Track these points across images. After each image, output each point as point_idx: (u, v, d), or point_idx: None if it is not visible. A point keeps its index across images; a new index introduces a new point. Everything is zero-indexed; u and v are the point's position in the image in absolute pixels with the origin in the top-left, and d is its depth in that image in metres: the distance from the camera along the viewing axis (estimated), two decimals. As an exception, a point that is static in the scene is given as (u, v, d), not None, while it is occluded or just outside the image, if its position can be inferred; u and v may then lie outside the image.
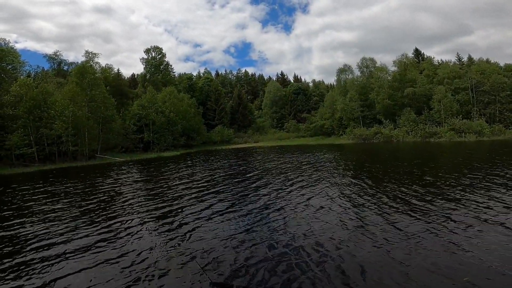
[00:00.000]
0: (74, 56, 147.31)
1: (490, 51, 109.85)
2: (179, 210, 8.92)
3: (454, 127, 40.38)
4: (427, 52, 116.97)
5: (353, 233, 6.20)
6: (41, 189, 13.84)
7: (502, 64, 48.97)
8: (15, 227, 7.78)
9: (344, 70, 57.95)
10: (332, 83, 78.01)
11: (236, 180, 14.27)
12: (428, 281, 4.14)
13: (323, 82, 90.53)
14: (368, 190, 10.36)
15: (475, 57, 53.99)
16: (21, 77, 31.30)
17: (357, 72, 56.55)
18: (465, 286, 3.99)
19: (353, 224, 6.83)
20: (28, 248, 6.20)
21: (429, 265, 4.61)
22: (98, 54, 43.86)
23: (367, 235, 6.02)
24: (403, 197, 9.04)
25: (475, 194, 8.86)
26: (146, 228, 7.34)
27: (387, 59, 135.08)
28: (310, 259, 5.04)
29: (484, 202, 7.89)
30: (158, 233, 6.95)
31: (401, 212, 7.52)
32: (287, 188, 11.42)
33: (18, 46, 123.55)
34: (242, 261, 5.10)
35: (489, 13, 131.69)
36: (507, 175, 11.44)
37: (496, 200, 8.05)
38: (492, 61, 50.19)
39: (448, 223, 6.50)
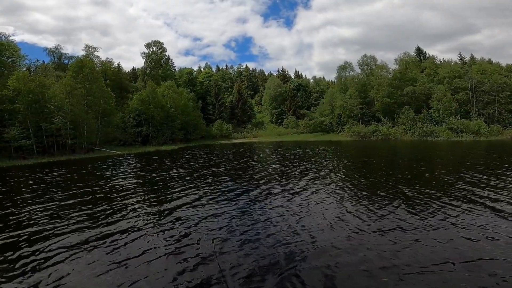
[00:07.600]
0: (72, 49, 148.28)
1: (494, 50, 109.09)
2: (176, 199, 9.38)
3: (452, 126, 40.41)
4: (430, 50, 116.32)
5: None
6: (40, 180, 14.21)
7: (504, 64, 48.71)
8: (16, 215, 8.10)
9: (344, 67, 57.68)
10: (332, 80, 77.76)
11: (231, 172, 14.54)
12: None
13: (324, 79, 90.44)
14: (359, 181, 10.60)
15: (478, 56, 53.77)
16: (22, 70, 31.39)
17: (357, 70, 56.35)
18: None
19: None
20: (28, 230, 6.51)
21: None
22: (98, 48, 44.10)
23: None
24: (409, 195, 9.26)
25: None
26: (143, 220, 7.71)
27: (388, 57, 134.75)
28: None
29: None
30: (153, 219, 7.31)
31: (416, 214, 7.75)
32: (284, 181, 11.69)
33: (16, 39, 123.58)
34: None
35: (496, 13, 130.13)
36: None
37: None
38: (494, 61, 49.97)
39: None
